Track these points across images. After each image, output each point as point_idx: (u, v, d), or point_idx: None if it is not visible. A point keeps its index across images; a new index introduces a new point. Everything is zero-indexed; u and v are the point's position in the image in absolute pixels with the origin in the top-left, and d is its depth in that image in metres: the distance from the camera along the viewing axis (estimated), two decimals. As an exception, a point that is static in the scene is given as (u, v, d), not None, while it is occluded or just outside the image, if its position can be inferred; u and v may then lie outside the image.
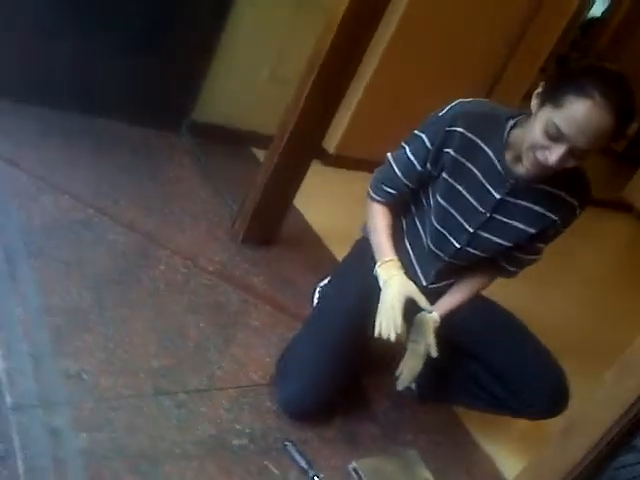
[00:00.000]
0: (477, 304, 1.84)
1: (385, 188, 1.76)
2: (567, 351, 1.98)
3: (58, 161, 2.39)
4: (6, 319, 1.66)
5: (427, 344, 1.70)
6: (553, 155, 1.41)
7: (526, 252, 1.75)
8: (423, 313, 1.74)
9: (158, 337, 1.83)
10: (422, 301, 1.67)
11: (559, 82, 1.43)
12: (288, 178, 2.38)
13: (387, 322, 1.62)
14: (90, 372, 1.62)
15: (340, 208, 3.01)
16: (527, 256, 1.76)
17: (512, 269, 1.80)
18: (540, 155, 1.44)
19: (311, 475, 1.61)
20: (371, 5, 2.07)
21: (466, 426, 2.07)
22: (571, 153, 1.41)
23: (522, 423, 1.90)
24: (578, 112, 1.36)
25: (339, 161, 3.49)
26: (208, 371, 1.80)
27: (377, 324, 1.64)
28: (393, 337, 1.61)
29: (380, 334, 1.63)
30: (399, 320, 1.62)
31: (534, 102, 1.48)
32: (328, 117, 2.32)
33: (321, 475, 1.62)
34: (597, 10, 7.71)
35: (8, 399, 1.47)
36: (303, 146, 2.31)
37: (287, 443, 1.67)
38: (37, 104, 2.65)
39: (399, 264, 1.72)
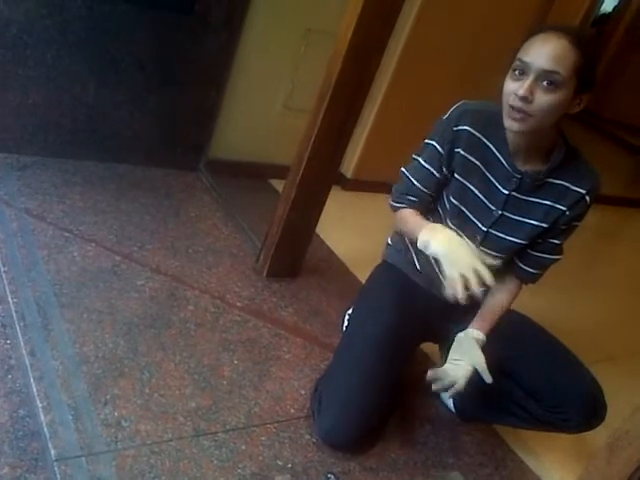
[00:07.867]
0: (504, 320, 1.82)
1: (407, 197, 1.79)
2: (606, 361, 1.95)
3: (82, 210, 2.43)
4: (44, 371, 1.69)
5: (475, 364, 1.67)
6: (521, 89, 1.43)
7: (543, 251, 1.74)
8: (465, 332, 1.75)
9: (193, 378, 1.84)
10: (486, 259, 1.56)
11: None
12: (308, 208, 2.39)
13: (471, 274, 1.49)
14: (129, 419, 1.64)
15: (362, 232, 3.02)
16: (545, 255, 1.75)
17: (532, 270, 1.78)
18: (512, 101, 1.45)
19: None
20: (378, 29, 2.08)
21: (508, 444, 2.05)
22: (540, 82, 1.43)
23: (566, 439, 1.87)
24: (535, 40, 1.45)
25: (357, 185, 3.50)
26: (245, 408, 1.81)
27: (455, 280, 1.50)
28: (479, 289, 1.50)
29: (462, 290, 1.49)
30: (485, 271, 1.49)
31: None
32: (343, 143, 2.32)
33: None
34: (608, 6, 7.61)
35: (52, 451, 1.49)
36: (320, 174, 2.31)
37: (330, 476, 1.67)
38: (57, 156, 2.71)
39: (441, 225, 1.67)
